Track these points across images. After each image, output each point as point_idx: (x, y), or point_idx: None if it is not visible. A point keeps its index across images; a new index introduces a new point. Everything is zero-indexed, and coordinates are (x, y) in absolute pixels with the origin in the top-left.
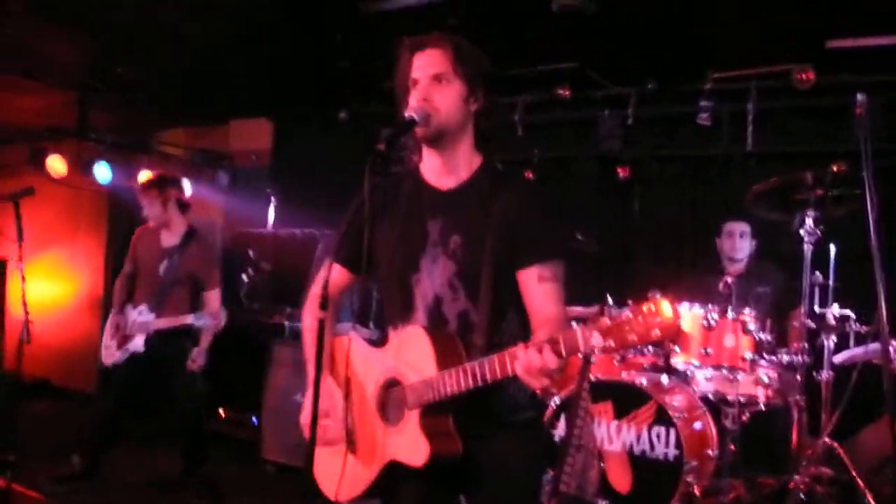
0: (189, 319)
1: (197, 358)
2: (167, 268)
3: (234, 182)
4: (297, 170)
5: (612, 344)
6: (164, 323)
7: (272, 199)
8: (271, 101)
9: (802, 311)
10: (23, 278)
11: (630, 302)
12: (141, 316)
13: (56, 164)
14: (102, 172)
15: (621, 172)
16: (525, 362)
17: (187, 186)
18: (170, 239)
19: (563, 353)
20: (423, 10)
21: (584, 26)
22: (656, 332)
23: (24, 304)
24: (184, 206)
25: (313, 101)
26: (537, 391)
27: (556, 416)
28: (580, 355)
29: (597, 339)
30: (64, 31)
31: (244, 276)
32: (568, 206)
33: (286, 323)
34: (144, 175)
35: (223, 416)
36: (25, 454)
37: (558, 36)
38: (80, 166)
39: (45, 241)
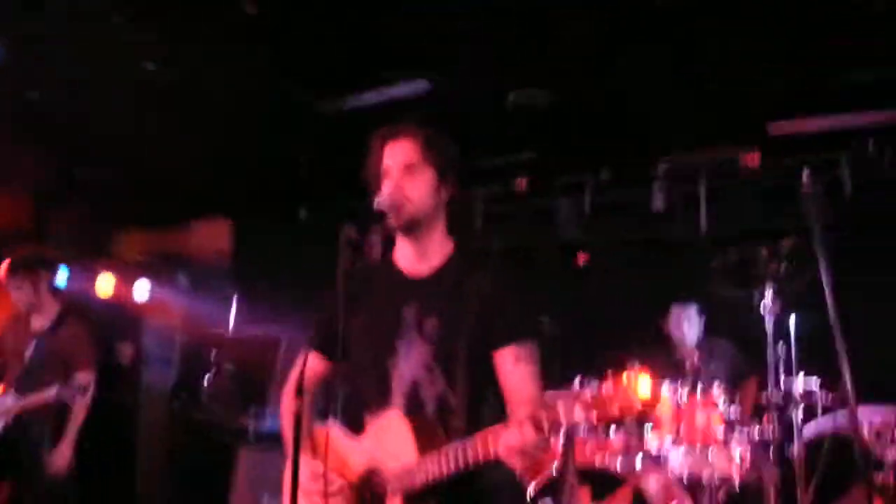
0: (53, 391)
1: (63, 449)
2: (34, 349)
3: (195, 284)
4: (259, 269)
5: (595, 417)
6: (26, 402)
7: (233, 299)
8: (230, 201)
9: (770, 384)
10: None
11: (609, 373)
12: (4, 400)
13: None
14: (60, 277)
15: (581, 258)
16: (507, 441)
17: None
18: (40, 322)
19: (546, 429)
20: (381, 108)
21: (539, 118)
22: (636, 404)
23: None
24: (55, 289)
25: (273, 200)
26: (518, 471)
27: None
28: (562, 431)
29: (578, 414)
30: (23, 137)
31: (206, 379)
32: (529, 292)
33: (251, 425)
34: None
35: None
36: None
37: (514, 128)
38: None
39: None
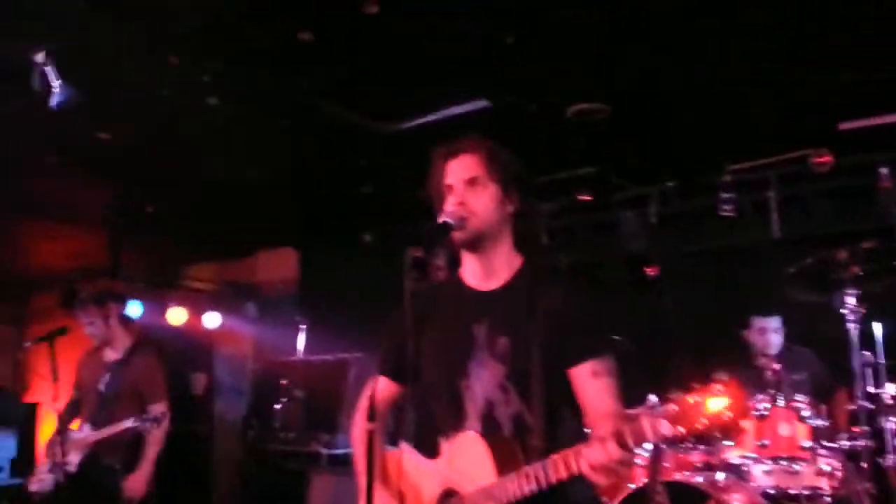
0: (128, 423)
1: (138, 478)
2: (108, 382)
3: (263, 312)
4: (325, 296)
5: (683, 430)
6: (103, 433)
7: (301, 326)
8: (296, 230)
9: (858, 392)
10: (60, 419)
11: (695, 386)
12: (80, 433)
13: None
14: (133, 310)
15: (650, 271)
16: (590, 458)
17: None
18: (113, 355)
19: (630, 444)
20: (441, 128)
21: (599, 130)
22: (728, 415)
23: (61, 445)
24: (126, 320)
25: (338, 227)
26: (600, 488)
27: None
28: (649, 446)
29: (665, 427)
30: (95, 175)
31: (277, 406)
32: (598, 308)
33: (322, 450)
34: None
35: None
36: None
37: (575, 141)
38: None
39: None
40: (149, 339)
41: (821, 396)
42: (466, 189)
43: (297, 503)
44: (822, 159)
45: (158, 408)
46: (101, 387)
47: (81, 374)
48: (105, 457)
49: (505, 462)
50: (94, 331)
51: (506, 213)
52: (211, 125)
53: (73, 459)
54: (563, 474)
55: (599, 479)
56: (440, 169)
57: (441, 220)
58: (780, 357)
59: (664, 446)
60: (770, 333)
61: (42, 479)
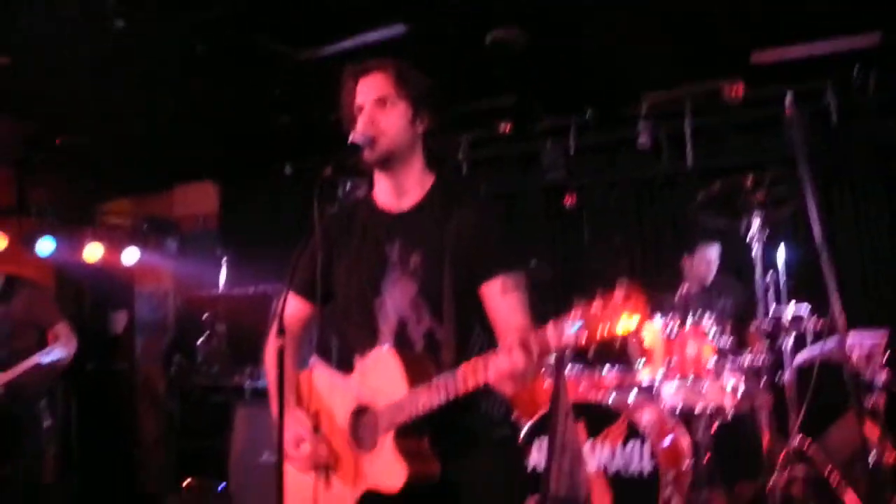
0: (35, 359)
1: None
2: None
3: (183, 247)
4: (246, 229)
5: (584, 337)
6: (13, 373)
7: (222, 260)
8: (215, 163)
9: (759, 311)
10: None
11: (598, 292)
12: None
13: None
14: (45, 246)
15: (568, 201)
16: (496, 367)
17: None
18: None
19: (535, 351)
20: (358, 53)
21: (519, 59)
22: (628, 320)
23: None
24: None
25: (257, 160)
26: (517, 403)
27: (527, 442)
28: (552, 353)
29: (568, 335)
30: (2, 110)
31: (199, 341)
32: (517, 237)
33: (247, 383)
34: None
35: (189, 485)
36: None
37: (495, 70)
38: (23, 242)
39: None
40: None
41: (743, 320)
42: (376, 108)
43: (222, 436)
44: (734, 90)
45: (61, 329)
46: None
47: None
48: (23, 392)
49: (417, 376)
50: None
51: (416, 132)
52: (119, 50)
53: None
54: (471, 384)
55: (507, 389)
56: (350, 89)
57: (351, 139)
58: (712, 285)
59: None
60: (713, 262)
61: None
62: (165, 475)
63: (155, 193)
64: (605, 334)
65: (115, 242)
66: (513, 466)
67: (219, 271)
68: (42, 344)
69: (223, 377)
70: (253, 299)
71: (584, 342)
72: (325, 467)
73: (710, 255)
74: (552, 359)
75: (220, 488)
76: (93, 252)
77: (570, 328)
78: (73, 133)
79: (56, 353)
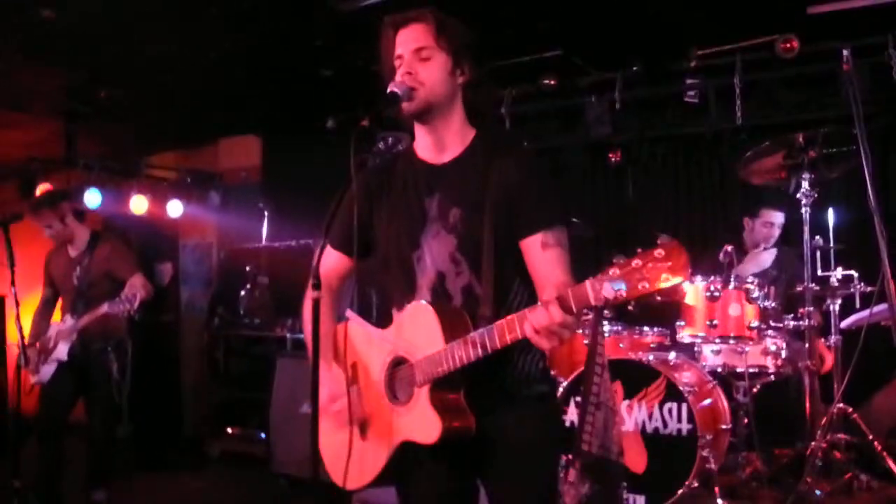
0: (104, 308)
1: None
2: (79, 276)
3: (226, 200)
4: (288, 183)
5: (623, 293)
6: (83, 321)
7: (265, 213)
8: (258, 117)
9: (807, 273)
10: (17, 303)
11: (639, 250)
12: (64, 325)
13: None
14: (92, 199)
15: (612, 157)
16: (533, 321)
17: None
18: (75, 251)
19: (573, 307)
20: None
21: (564, 11)
22: (667, 277)
23: (20, 329)
24: (80, 215)
25: (300, 113)
26: (554, 360)
27: (565, 401)
28: (591, 310)
29: (608, 290)
30: (49, 63)
31: (242, 293)
32: (562, 194)
33: (288, 335)
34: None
35: (231, 433)
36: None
37: (539, 24)
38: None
39: (41, 273)
40: (108, 225)
41: (790, 284)
42: (415, 59)
43: (264, 387)
44: (788, 45)
45: (135, 280)
46: (75, 280)
47: (52, 273)
48: (93, 341)
49: (453, 330)
50: (53, 232)
51: (456, 84)
52: (164, 3)
53: (63, 349)
54: (508, 339)
55: (543, 344)
56: (390, 40)
57: (389, 90)
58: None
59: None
60: (775, 228)
61: (40, 371)
62: (208, 423)
63: (199, 147)
64: (644, 291)
65: (160, 195)
66: (551, 423)
67: (261, 224)
68: (115, 295)
69: (265, 328)
70: (295, 252)
71: (621, 299)
72: (360, 420)
73: (775, 219)
74: (590, 315)
75: (260, 437)
76: (138, 205)
77: (608, 285)
78: (119, 87)
79: (121, 304)
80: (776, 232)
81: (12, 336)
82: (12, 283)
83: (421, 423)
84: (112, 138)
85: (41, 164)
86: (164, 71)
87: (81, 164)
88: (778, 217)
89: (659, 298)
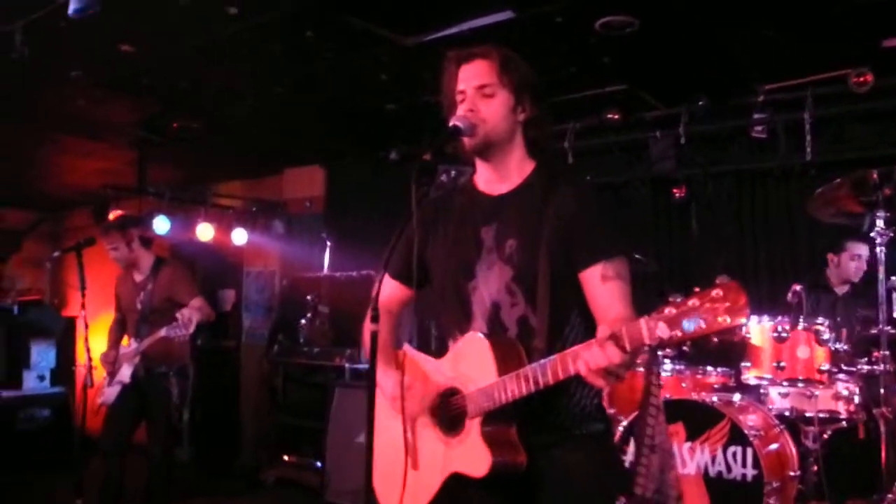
0: (162, 332)
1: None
2: (143, 299)
3: (290, 229)
4: (351, 213)
5: (679, 334)
6: (143, 345)
7: (327, 243)
8: (322, 148)
9: (881, 315)
10: (86, 325)
11: (696, 289)
12: (128, 348)
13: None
14: (161, 225)
15: (677, 192)
16: (587, 360)
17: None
18: (140, 276)
19: (627, 346)
20: (464, 38)
21: (629, 46)
22: (725, 319)
23: (88, 350)
24: (147, 241)
25: (363, 144)
26: (603, 389)
27: (624, 440)
28: (646, 349)
29: (662, 330)
30: (124, 96)
31: (303, 321)
32: (624, 229)
33: (346, 365)
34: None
35: (287, 461)
36: None
37: (604, 58)
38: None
39: (111, 296)
40: (174, 252)
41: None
42: (478, 95)
43: (321, 416)
44: (862, 79)
45: (194, 303)
46: (139, 305)
47: (120, 296)
48: (155, 365)
49: (507, 363)
50: (119, 255)
51: (517, 121)
52: (232, 37)
53: (126, 371)
54: (560, 376)
55: (598, 383)
56: (452, 74)
57: (451, 124)
58: (853, 290)
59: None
60: (863, 260)
61: (105, 393)
62: (265, 450)
63: (264, 176)
64: (700, 332)
65: (226, 223)
66: (606, 462)
67: (323, 253)
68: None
69: (324, 357)
70: (356, 282)
71: (677, 339)
72: (414, 449)
73: (862, 251)
74: (646, 354)
75: (315, 465)
76: (205, 232)
77: (663, 324)
78: (190, 118)
79: (177, 330)
80: (864, 265)
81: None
82: (83, 305)
83: (471, 455)
84: (181, 167)
85: (114, 192)
86: (233, 103)
87: (152, 192)
88: (864, 249)
89: (716, 340)
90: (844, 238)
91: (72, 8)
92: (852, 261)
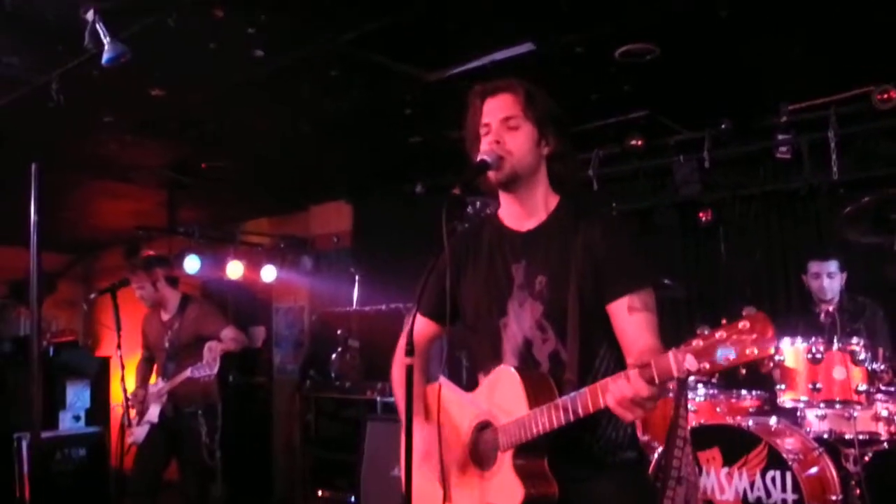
0: (187, 373)
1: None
2: (170, 338)
3: (318, 265)
4: (379, 247)
5: (707, 366)
6: (169, 385)
7: (356, 277)
8: (348, 183)
9: None
10: (122, 365)
11: (724, 321)
12: (155, 387)
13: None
14: (192, 264)
15: (703, 216)
16: (615, 392)
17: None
18: (166, 315)
19: (655, 378)
20: (487, 71)
21: (650, 73)
22: (752, 351)
23: (124, 390)
24: (173, 280)
25: (389, 179)
26: (648, 427)
27: (659, 469)
28: (674, 381)
29: (690, 362)
30: (156, 137)
31: (333, 356)
32: (651, 255)
33: (378, 398)
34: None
35: (321, 496)
36: None
37: (625, 86)
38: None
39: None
40: (204, 291)
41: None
42: (503, 128)
43: (354, 450)
44: (886, 95)
45: (226, 333)
46: (166, 344)
47: (147, 335)
48: (183, 404)
49: (538, 396)
50: (145, 294)
51: (541, 154)
52: (259, 78)
53: (154, 411)
54: (590, 408)
55: (626, 415)
56: (477, 108)
57: (479, 157)
58: (839, 304)
59: (691, 381)
60: (824, 278)
61: (135, 432)
62: (299, 485)
63: (292, 213)
64: (728, 365)
65: (255, 260)
66: (639, 492)
67: (352, 288)
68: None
69: (355, 391)
70: (385, 316)
71: (705, 371)
72: (447, 482)
73: (821, 270)
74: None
75: (350, 500)
76: (234, 270)
77: (691, 357)
78: (219, 158)
79: (203, 370)
80: (827, 283)
81: (117, 396)
82: (118, 345)
83: (504, 488)
84: (211, 206)
85: (146, 232)
86: (260, 142)
87: (182, 232)
88: (827, 267)
89: (743, 371)
90: (809, 259)
91: (105, 57)
92: (815, 280)
